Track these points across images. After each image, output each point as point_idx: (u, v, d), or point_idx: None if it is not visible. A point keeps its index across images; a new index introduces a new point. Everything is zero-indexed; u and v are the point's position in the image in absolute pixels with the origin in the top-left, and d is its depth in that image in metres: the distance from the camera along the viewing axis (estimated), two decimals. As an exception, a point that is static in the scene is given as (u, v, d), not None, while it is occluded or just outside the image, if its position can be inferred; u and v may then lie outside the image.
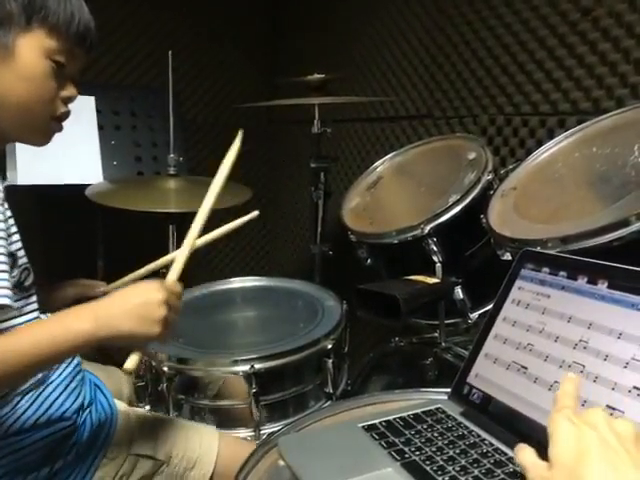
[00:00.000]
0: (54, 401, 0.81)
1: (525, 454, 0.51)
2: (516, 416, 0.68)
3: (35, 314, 0.78)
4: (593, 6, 1.28)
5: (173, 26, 2.25)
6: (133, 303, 0.75)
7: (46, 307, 0.85)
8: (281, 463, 0.68)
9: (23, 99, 0.76)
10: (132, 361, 0.78)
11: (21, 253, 0.77)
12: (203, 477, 0.91)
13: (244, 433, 1.05)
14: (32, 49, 0.75)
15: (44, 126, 0.82)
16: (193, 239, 0.91)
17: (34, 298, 0.80)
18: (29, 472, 0.79)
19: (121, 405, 0.96)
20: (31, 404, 0.79)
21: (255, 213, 1.16)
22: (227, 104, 2.46)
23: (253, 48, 2.50)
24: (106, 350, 1.03)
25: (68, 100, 0.82)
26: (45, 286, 0.84)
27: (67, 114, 0.83)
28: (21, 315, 0.75)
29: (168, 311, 0.76)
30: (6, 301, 0.67)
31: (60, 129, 0.84)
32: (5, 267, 0.68)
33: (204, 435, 0.96)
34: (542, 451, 0.61)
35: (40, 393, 0.80)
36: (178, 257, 0.89)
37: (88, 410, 0.88)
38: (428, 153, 1.50)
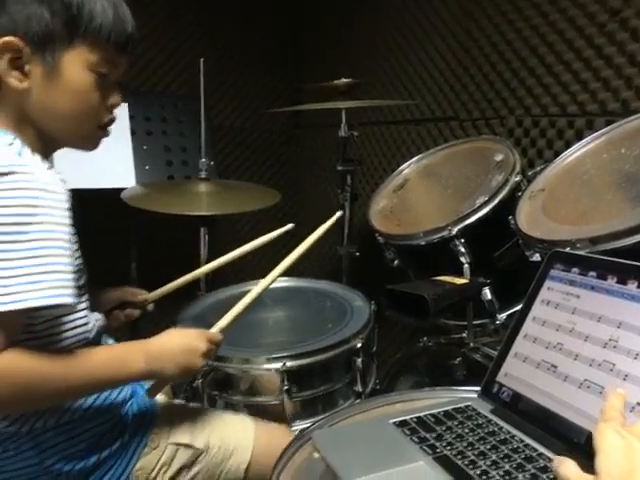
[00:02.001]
0: (100, 394, 0.86)
1: (568, 467, 0.51)
2: (546, 413, 0.69)
3: (85, 312, 0.82)
4: (621, 7, 1.28)
5: (201, 34, 2.30)
6: (178, 351, 0.85)
7: (92, 306, 0.89)
8: (316, 455, 0.71)
9: (70, 112, 0.80)
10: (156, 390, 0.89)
11: (77, 254, 0.82)
12: (240, 465, 0.95)
13: (275, 429, 1.08)
14: (75, 64, 0.78)
15: (92, 134, 0.86)
16: (252, 297, 1.00)
17: (86, 297, 0.85)
18: (78, 461, 0.83)
19: (160, 396, 1.00)
20: None
21: (290, 225, 1.24)
22: (254, 109, 2.51)
23: (279, 53, 2.54)
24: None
25: (113, 107, 0.86)
26: (93, 287, 0.88)
27: (112, 120, 0.87)
28: (73, 312, 0.80)
29: (205, 360, 0.87)
30: (70, 300, 0.71)
31: (107, 135, 0.88)
32: (72, 268, 0.72)
33: (240, 425, 0.99)
34: (574, 451, 0.63)
35: None
36: (232, 312, 0.97)
37: (130, 402, 0.92)
38: (455, 155, 1.51)
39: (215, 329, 0.93)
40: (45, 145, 0.83)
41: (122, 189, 1.59)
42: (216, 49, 2.33)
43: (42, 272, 0.68)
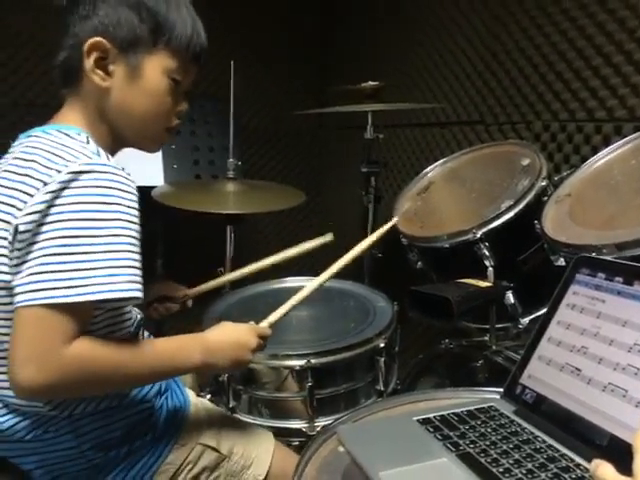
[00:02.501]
0: None
1: (605, 469, 0.52)
2: (569, 415, 0.70)
3: (130, 307, 0.86)
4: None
5: (230, 36, 2.33)
6: (229, 344, 0.89)
7: None
8: (340, 450, 0.73)
9: (146, 113, 0.85)
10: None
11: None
12: (257, 478, 0.96)
13: (298, 425, 1.10)
14: (155, 69, 0.83)
15: (159, 136, 0.91)
16: (304, 295, 1.03)
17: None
18: (111, 449, 0.86)
19: (191, 395, 1.03)
20: None
21: (330, 236, 1.29)
22: (280, 110, 2.53)
23: (307, 56, 2.56)
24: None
25: (180, 113, 0.90)
26: None
27: (178, 125, 0.91)
28: (124, 307, 0.84)
29: (254, 354, 0.91)
30: (140, 294, 0.74)
31: (170, 139, 0.93)
32: (140, 265, 0.76)
33: (262, 438, 1.01)
34: (595, 450, 0.64)
35: None
36: (282, 308, 1.01)
37: (165, 396, 0.95)
38: (480, 159, 1.51)
39: (265, 324, 0.97)
40: (113, 144, 0.87)
41: (150, 187, 1.62)
42: (244, 51, 2.36)
43: (118, 266, 0.72)
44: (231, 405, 1.14)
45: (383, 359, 1.14)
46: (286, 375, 1.11)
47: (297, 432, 1.09)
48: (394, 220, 1.25)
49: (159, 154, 1.95)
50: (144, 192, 1.60)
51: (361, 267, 1.79)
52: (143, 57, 0.82)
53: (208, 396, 1.14)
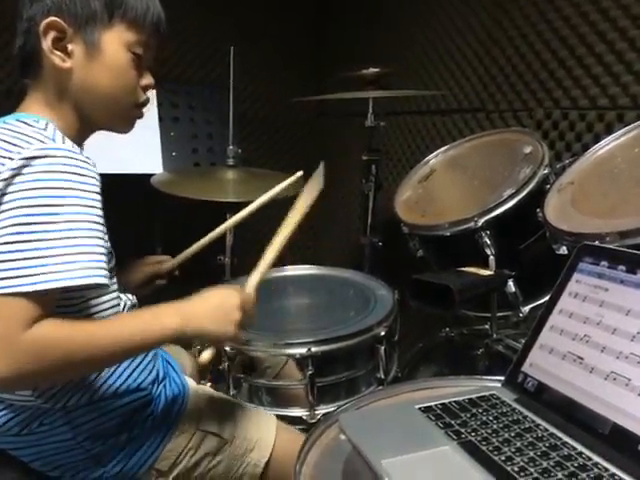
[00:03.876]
0: (131, 372, 0.88)
1: None
2: (571, 404, 0.70)
3: (116, 294, 0.85)
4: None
5: (227, 23, 2.31)
6: (213, 304, 0.85)
7: (124, 285, 0.92)
8: (342, 437, 0.72)
9: (110, 89, 0.84)
10: (206, 355, 0.88)
11: (106, 237, 0.84)
12: (260, 460, 0.96)
13: (299, 413, 1.10)
14: (114, 43, 0.82)
15: (128, 113, 0.89)
16: (272, 256, 1.01)
17: (115, 279, 0.87)
18: (109, 437, 0.86)
19: (191, 382, 1.03)
20: (111, 374, 0.86)
21: (299, 174, 1.26)
22: (278, 98, 2.51)
23: (306, 43, 2.54)
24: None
25: (146, 88, 0.89)
26: (117, 267, 0.91)
27: (147, 101, 0.90)
28: (105, 294, 0.82)
29: (242, 314, 0.85)
30: (104, 280, 0.73)
31: (141, 116, 0.91)
32: (104, 250, 0.74)
33: (264, 420, 1.01)
34: (597, 438, 0.64)
35: (119, 365, 0.87)
36: (261, 265, 0.99)
37: (163, 384, 0.95)
38: (482, 147, 1.50)
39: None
40: (82, 127, 0.86)
41: (149, 175, 1.61)
42: (243, 37, 2.33)
43: (76, 253, 0.70)
44: (232, 393, 1.14)
45: (384, 347, 1.14)
46: (286, 363, 1.11)
47: (298, 420, 1.09)
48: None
49: (157, 142, 1.93)
50: (143, 180, 1.61)
51: (362, 255, 1.79)
52: (101, 33, 0.80)
53: (208, 384, 1.14)
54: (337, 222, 2.62)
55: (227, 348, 1.10)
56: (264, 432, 0.99)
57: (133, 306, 0.93)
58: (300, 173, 1.25)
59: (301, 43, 2.54)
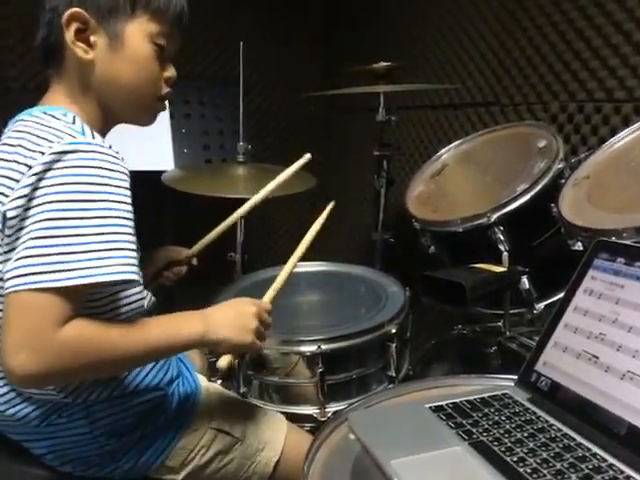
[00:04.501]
0: (150, 370, 0.89)
1: None
2: (585, 404, 0.68)
3: (141, 287, 0.84)
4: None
5: (237, 20, 2.30)
6: (231, 314, 0.86)
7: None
8: (351, 437, 0.72)
9: (133, 81, 0.83)
10: (224, 360, 0.88)
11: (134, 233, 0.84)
12: (271, 459, 0.96)
13: (309, 410, 1.10)
14: (137, 35, 0.81)
15: (151, 105, 0.89)
16: (292, 266, 1.03)
17: (141, 273, 0.87)
18: (123, 434, 0.86)
19: (202, 380, 1.03)
20: (130, 372, 0.86)
21: (307, 156, 1.29)
22: (290, 92, 2.50)
23: (317, 37, 2.52)
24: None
25: (169, 80, 0.88)
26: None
27: (169, 94, 0.89)
28: (131, 289, 0.81)
29: (259, 323, 0.87)
30: (136, 277, 0.73)
31: (164, 108, 0.91)
32: (134, 246, 0.74)
33: (274, 420, 1.01)
34: (613, 439, 0.62)
35: None
36: (277, 282, 1.00)
37: (176, 382, 0.95)
38: (495, 141, 1.48)
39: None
40: (104, 120, 0.86)
41: (161, 172, 1.62)
42: (253, 32, 2.32)
43: (109, 249, 0.70)
44: (242, 391, 1.13)
45: (395, 345, 1.13)
46: (297, 361, 1.10)
47: (308, 418, 1.09)
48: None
49: (169, 138, 1.94)
50: (155, 177, 1.61)
51: (373, 252, 1.78)
52: (123, 24, 0.80)
53: (219, 382, 1.14)
54: (348, 218, 2.60)
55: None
56: (275, 432, 0.99)
57: (153, 303, 0.93)
58: (308, 155, 1.26)
59: (311, 38, 2.52)
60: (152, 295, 0.94)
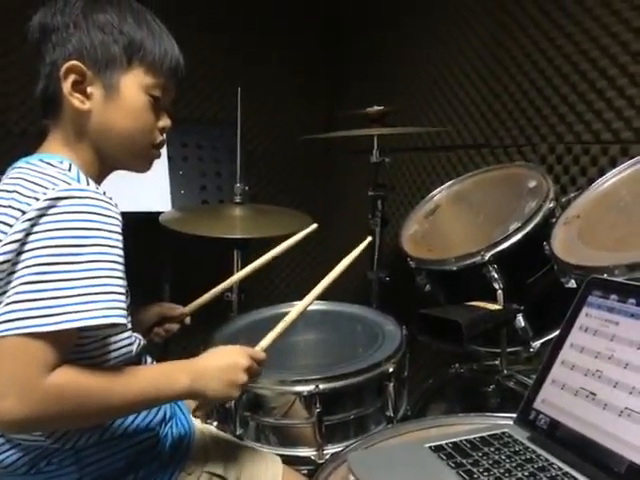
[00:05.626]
0: (140, 412, 0.87)
1: None
2: (585, 441, 0.68)
3: (130, 332, 0.84)
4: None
5: (236, 62, 2.37)
6: (220, 367, 0.85)
7: (134, 325, 0.91)
8: (351, 478, 0.71)
9: (128, 130, 0.85)
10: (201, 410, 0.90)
11: (125, 277, 0.85)
12: None
13: (307, 452, 1.08)
14: (133, 86, 0.84)
15: (146, 153, 0.90)
16: (293, 318, 1.00)
17: (129, 318, 0.87)
18: (115, 478, 0.84)
19: (196, 422, 1.01)
20: None
21: (314, 226, 1.26)
22: (287, 135, 2.56)
23: (313, 82, 2.59)
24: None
25: (164, 130, 0.90)
26: (131, 306, 0.91)
27: (164, 142, 0.91)
28: (120, 333, 0.81)
29: (248, 377, 0.86)
30: (123, 320, 0.73)
31: (159, 156, 0.93)
32: (123, 290, 0.74)
33: (270, 463, 0.99)
34: (613, 477, 0.62)
35: None
36: (275, 331, 0.98)
37: (170, 424, 0.93)
38: (486, 182, 1.52)
39: (258, 348, 0.94)
40: (100, 167, 0.87)
41: (158, 213, 1.63)
42: (251, 77, 2.40)
43: (97, 292, 0.70)
44: (238, 432, 1.12)
45: (392, 384, 1.13)
46: (294, 401, 1.09)
47: (306, 460, 1.07)
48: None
49: (166, 180, 1.96)
50: (152, 218, 1.63)
51: (369, 291, 1.78)
52: (119, 76, 0.82)
53: (215, 423, 1.13)
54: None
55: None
56: (270, 475, 0.96)
57: (142, 346, 0.93)
58: (314, 225, 1.27)
59: (311, 83, 2.59)
60: (143, 340, 0.93)
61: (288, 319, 0.99)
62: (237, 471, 0.95)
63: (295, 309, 1.01)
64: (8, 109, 2.00)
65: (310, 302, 1.03)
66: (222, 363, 0.86)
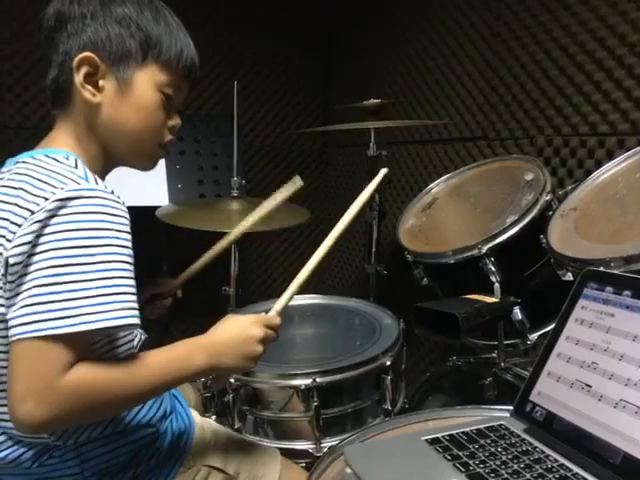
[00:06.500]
0: (141, 408, 0.87)
1: None
2: (580, 433, 0.68)
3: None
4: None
5: (233, 55, 2.36)
6: (236, 340, 0.84)
7: None
8: (348, 471, 0.71)
9: (137, 127, 0.84)
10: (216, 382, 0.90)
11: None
12: None
13: (304, 445, 1.09)
14: (146, 83, 0.83)
15: (153, 152, 0.89)
16: (305, 276, 0.96)
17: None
18: (116, 474, 0.85)
19: (196, 416, 1.01)
20: None
21: (299, 183, 1.25)
22: (284, 129, 2.55)
23: (310, 75, 2.58)
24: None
25: (173, 129, 0.90)
26: None
27: (172, 142, 0.90)
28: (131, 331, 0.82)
29: (264, 347, 0.86)
30: (137, 321, 0.72)
31: (165, 155, 0.92)
32: (134, 290, 0.74)
33: (269, 456, 0.99)
34: (608, 468, 0.62)
35: None
36: (289, 290, 0.95)
37: (169, 419, 0.94)
38: (484, 174, 1.51)
39: (272, 312, 0.91)
40: (105, 162, 0.86)
41: (154, 207, 1.63)
42: (248, 70, 2.39)
43: (111, 293, 0.69)
44: (237, 426, 1.12)
45: (390, 377, 1.13)
46: (292, 395, 1.09)
47: (304, 453, 1.08)
48: (383, 171, 1.19)
49: (163, 174, 1.96)
50: (149, 212, 1.63)
51: (366, 284, 1.79)
52: (133, 71, 0.81)
53: (213, 417, 1.13)
54: (342, 251, 2.62)
55: (231, 380, 1.09)
56: (269, 468, 0.97)
57: (145, 340, 0.93)
58: (299, 182, 1.24)
59: (308, 76, 2.58)
60: (143, 334, 0.93)
61: (301, 276, 0.95)
62: (236, 464, 0.95)
63: (308, 264, 0.97)
64: (3, 103, 1.99)
65: (324, 254, 0.98)
66: (236, 338, 0.84)
